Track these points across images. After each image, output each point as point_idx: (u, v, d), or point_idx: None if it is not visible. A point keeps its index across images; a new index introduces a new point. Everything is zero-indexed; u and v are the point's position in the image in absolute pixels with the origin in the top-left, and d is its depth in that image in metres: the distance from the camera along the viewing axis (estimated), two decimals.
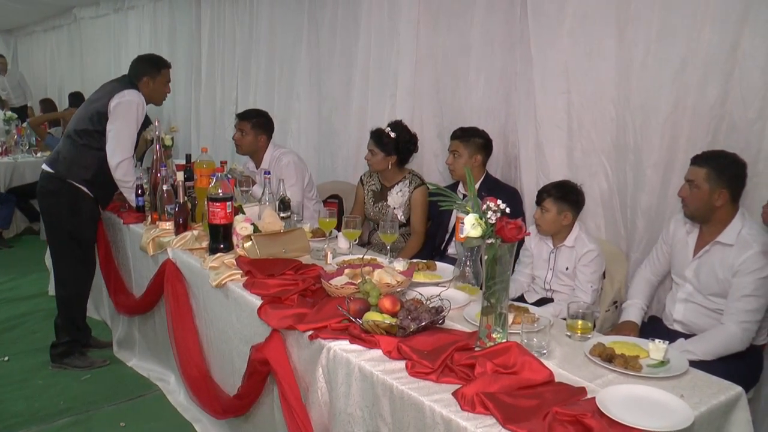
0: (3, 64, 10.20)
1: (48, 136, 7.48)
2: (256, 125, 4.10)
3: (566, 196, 2.99)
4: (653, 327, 2.82)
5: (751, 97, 2.75)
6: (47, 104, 8.74)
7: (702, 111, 2.88)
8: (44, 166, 3.70)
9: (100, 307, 4.39)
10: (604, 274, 3.07)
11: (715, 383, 1.89)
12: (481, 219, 1.96)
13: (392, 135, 3.73)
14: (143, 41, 7.78)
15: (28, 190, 6.49)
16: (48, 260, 5.02)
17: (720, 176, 2.54)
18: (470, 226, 1.97)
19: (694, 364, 2.02)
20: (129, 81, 3.74)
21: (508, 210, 1.98)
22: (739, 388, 1.87)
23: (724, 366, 2.34)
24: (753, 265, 2.50)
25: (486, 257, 2.01)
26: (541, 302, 3.01)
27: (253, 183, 3.98)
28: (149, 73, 3.76)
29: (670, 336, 2.45)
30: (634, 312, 2.86)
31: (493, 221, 1.96)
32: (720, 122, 2.86)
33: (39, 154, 7.14)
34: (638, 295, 2.91)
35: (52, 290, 4.88)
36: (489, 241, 1.98)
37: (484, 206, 1.97)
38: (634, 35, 3.08)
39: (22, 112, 8.64)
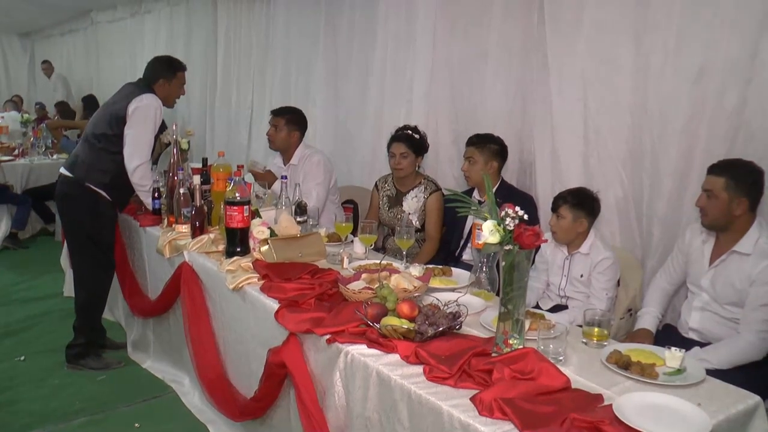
0: (47, 69, 10.48)
1: (63, 139, 7.55)
2: (290, 121, 4.17)
3: (582, 203, 2.99)
4: (668, 335, 2.82)
5: None
6: (62, 107, 8.83)
7: (719, 119, 2.88)
8: (62, 170, 3.72)
9: (115, 309, 4.42)
10: (618, 281, 3.07)
11: (732, 392, 1.89)
12: (499, 225, 1.97)
13: (416, 136, 3.78)
14: (159, 45, 7.84)
15: (44, 192, 6.56)
16: (63, 261, 5.09)
17: (739, 185, 2.53)
18: (488, 232, 1.97)
19: (710, 372, 2.01)
20: (146, 84, 3.77)
21: (526, 217, 1.99)
22: (757, 398, 1.87)
23: (742, 375, 2.33)
24: None
25: (504, 264, 2.01)
26: (556, 309, 3.01)
27: (272, 182, 4.01)
28: (165, 75, 3.78)
29: (686, 344, 2.44)
30: (649, 320, 2.86)
31: (511, 228, 1.97)
32: (737, 131, 2.86)
33: (55, 156, 7.22)
34: (653, 304, 2.91)
35: (67, 291, 4.93)
36: (507, 248, 1.98)
37: (502, 213, 1.98)
38: (652, 43, 3.09)
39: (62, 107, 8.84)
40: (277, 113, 4.22)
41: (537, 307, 3.02)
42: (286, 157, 4.25)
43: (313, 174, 4.06)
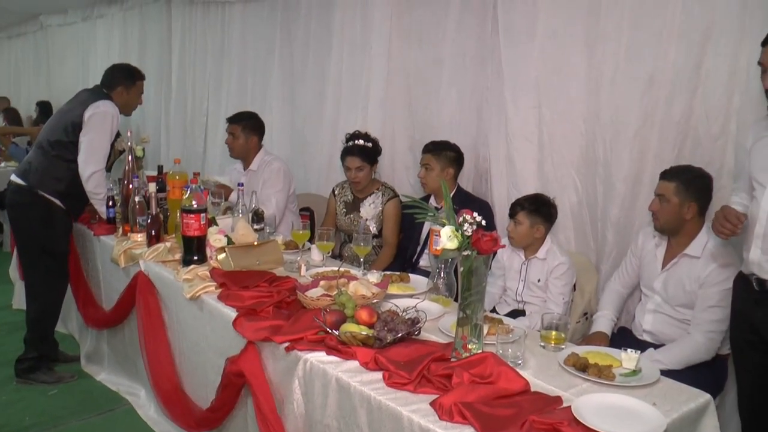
0: None
1: (12, 146, 7.34)
2: (247, 127, 4.13)
3: (539, 209, 3.04)
4: (623, 338, 2.88)
5: (714, 114, 2.84)
6: (11, 114, 8.57)
7: (668, 127, 2.96)
8: (14, 178, 3.63)
9: (68, 321, 4.31)
10: (574, 286, 3.12)
11: (685, 391, 1.94)
12: (457, 231, 1.99)
13: (369, 144, 3.76)
14: (112, 50, 7.68)
15: None
16: (12, 272, 4.94)
17: (688, 189, 2.61)
18: (446, 238, 1.99)
19: (663, 373, 2.06)
20: (102, 90, 3.70)
21: (484, 222, 2.01)
22: (708, 396, 1.93)
23: (693, 375, 2.41)
24: (718, 277, 2.58)
25: (462, 269, 2.03)
26: (513, 314, 3.04)
27: (228, 194, 3.96)
28: (124, 83, 3.74)
29: (640, 346, 2.49)
30: (604, 323, 2.92)
31: (469, 233, 1.99)
32: (685, 138, 2.94)
33: (3, 164, 7.03)
34: (608, 307, 2.96)
35: (16, 303, 4.79)
36: (465, 253, 2.00)
37: (460, 218, 2.00)
38: (603, 53, 3.16)
39: None
40: (232, 120, 4.17)
41: (494, 312, 3.05)
42: (246, 163, 4.21)
43: (272, 181, 4.04)
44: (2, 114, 8.70)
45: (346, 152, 3.80)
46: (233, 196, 3.85)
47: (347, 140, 3.84)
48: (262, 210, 3.39)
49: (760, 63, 2.26)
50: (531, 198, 3.10)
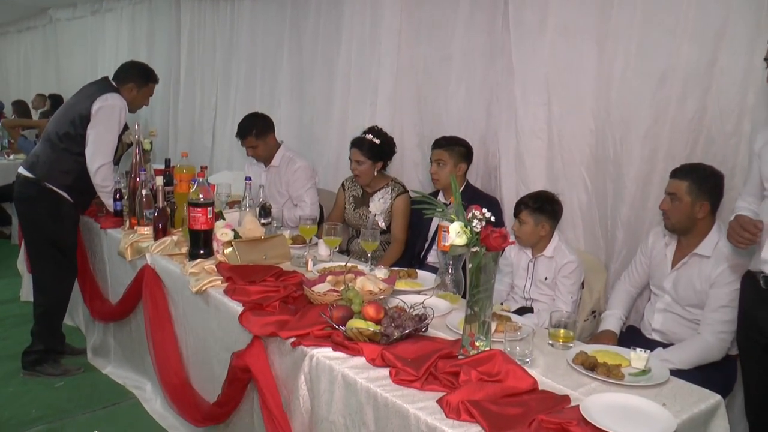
0: None
1: (20, 139, 7.35)
2: (260, 132, 4.09)
3: (543, 207, 3.01)
4: (631, 337, 2.85)
5: (728, 112, 2.81)
6: (20, 106, 8.60)
7: (681, 125, 2.93)
8: (22, 170, 3.62)
9: (75, 314, 4.31)
10: (582, 284, 3.10)
11: (695, 392, 1.92)
12: (466, 227, 1.97)
13: (376, 141, 3.73)
14: (121, 44, 7.70)
15: (0, 193, 6.38)
16: (20, 265, 4.95)
17: (701, 188, 2.58)
18: (455, 234, 1.97)
19: (672, 373, 2.04)
20: (111, 83, 3.70)
21: (493, 218, 1.99)
22: (718, 397, 1.91)
23: (702, 375, 2.38)
24: (729, 277, 2.56)
25: (470, 266, 2.01)
26: (521, 311, 3.03)
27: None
28: (137, 80, 3.74)
29: (649, 345, 2.48)
30: (612, 322, 2.90)
31: (478, 230, 1.97)
32: (698, 136, 2.91)
33: (12, 157, 7.04)
34: (617, 306, 2.94)
35: (23, 296, 4.80)
36: (474, 250, 1.98)
37: (469, 215, 1.98)
38: (615, 49, 3.13)
39: None
40: (243, 135, 4.09)
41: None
42: (268, 161, 4.22)
43: (300, 182, 4.07)
44: (12, 106, 8.73)
45: (352, 143, 3.80)
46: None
47: (362, 132, 3.83)
48: (270, 204, 3.38)
49: (766, 59, 2.25)
50: (534, 196, 3.07)
